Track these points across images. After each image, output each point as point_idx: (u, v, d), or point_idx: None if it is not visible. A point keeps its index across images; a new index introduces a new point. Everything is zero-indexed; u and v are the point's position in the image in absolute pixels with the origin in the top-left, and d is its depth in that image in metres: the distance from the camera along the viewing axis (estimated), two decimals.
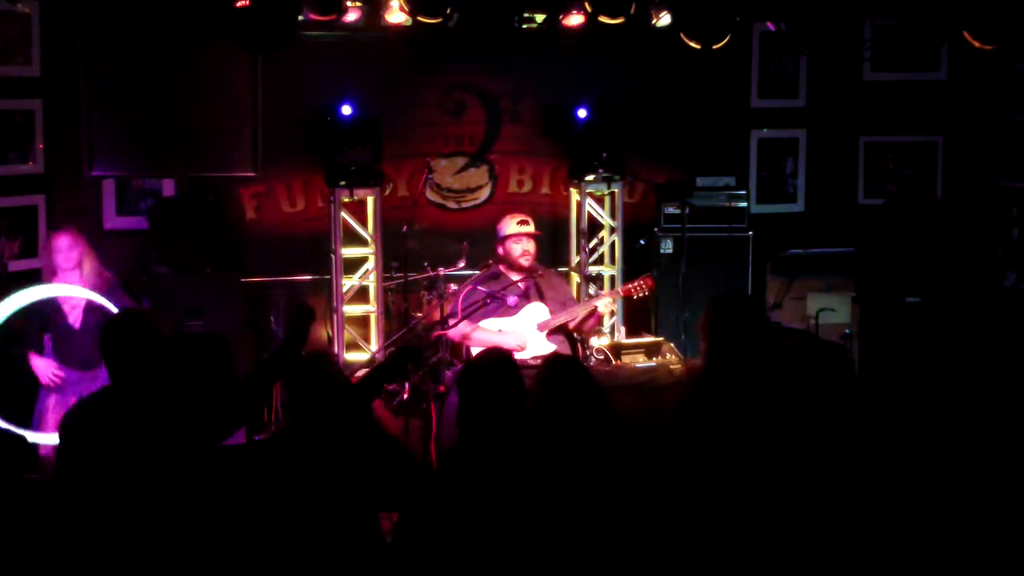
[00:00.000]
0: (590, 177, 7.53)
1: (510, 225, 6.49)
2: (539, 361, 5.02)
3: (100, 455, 3.59)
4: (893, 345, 7.02)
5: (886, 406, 6.10)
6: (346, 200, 7.23)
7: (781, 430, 3.73)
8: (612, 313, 7.24)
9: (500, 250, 6.53)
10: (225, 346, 6.23)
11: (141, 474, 3.53)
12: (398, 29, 6.94)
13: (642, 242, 7.64)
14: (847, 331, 7.38)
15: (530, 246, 6.45)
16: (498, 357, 3.79)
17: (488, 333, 6.32)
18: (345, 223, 7.28)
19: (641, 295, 6.59)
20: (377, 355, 7.12)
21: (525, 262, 6.44)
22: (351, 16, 6.83)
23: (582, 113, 7.50)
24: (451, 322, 6.28)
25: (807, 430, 3.76)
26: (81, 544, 3.41)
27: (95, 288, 5.84)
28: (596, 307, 6.44)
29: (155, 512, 3.51)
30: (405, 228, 7.03)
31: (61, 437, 3.65)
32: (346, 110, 7.13)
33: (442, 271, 6.73)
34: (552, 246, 7.74)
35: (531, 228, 6.47)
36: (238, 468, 3.72)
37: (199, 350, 6.07)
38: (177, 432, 3.66)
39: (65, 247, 5.93)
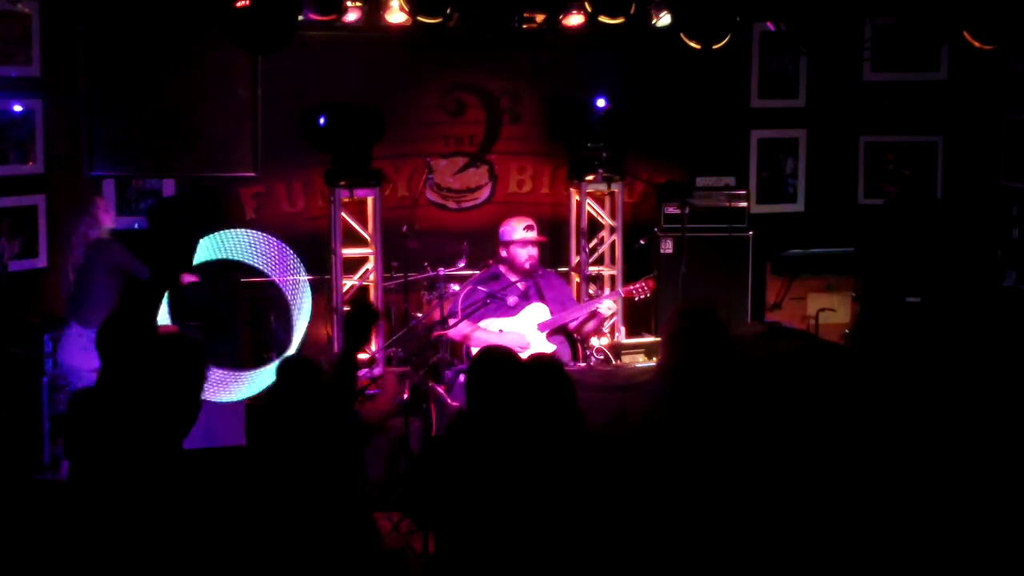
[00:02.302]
0: (590, 177, 7.52)
1: (517, 230, 6.51)
2: None
3: (97, 448, 3.64)
4: (893, 345, 7.00)
5: (885, 406, 6.08)
6: (346, 200, 7.23)
7: (740, 444, 3.70)
8: (613, 314, 7.24)
9: (503, 252, 6.55)
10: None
11: (133, 467, 3.57)
12: (398, 29, 6.94)
13: (642, 242, 7.63)
14: (847, 331, 7.37)
15: (535, 251, 6.51)
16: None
17: (489, 333, 6.33)
18: (345, 223, 7.27)
19: (643, 297, 6.60)
20: (377, 355, 7.12)
21: (528, 266, 6.47)
22: (351, 16, 6.83)
23: (582, 113, 7.49)
24: (451, 322, 6.28)
25: (777, 441, 3.75)
26: (88, 535, 3.44)
27: None
28: (597, 309, 6.45)
29: (146, 508, 3.54)
30: (405, 228, 7.04)
31: (67, 426, 3.76)
32: (321, 120, 7.06)
33: (442, 271, 6.74)
34: (552, 246, 7.73)
35: (536, 234, 6.51)
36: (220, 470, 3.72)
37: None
38: (163, 430, 3.69)
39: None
